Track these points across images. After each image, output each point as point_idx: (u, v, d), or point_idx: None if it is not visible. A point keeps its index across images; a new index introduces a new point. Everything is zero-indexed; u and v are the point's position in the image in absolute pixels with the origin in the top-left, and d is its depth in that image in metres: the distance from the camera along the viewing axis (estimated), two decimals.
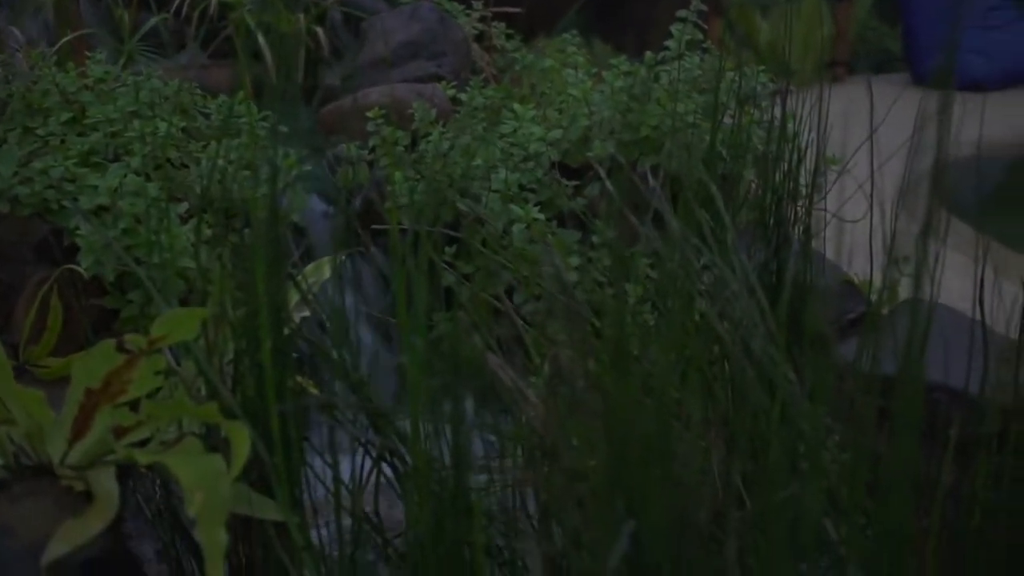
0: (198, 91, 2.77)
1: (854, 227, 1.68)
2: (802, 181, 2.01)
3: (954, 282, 1.65)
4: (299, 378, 1.59)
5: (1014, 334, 1.55)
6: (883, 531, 1.13)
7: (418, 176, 2.49)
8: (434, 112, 2.73)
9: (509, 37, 3.60)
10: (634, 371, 1.06)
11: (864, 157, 1.93)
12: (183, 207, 2.31)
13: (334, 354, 1.43)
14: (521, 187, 2.47)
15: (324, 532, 1.53)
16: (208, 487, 1.31)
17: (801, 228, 1.93)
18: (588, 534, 1.02)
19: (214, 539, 1.28)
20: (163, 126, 2.48)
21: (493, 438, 1.26)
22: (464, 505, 1.16)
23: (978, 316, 1.61)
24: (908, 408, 1.13)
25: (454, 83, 2.98)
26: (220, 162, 2.04)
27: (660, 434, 0.99)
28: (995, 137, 4.92)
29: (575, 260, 2.34)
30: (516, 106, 2.70)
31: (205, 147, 2.54)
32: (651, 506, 0.97)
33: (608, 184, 1.88)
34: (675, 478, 0.98)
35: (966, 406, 1.50)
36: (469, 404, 1.08)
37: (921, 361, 1.21)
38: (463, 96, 2.81)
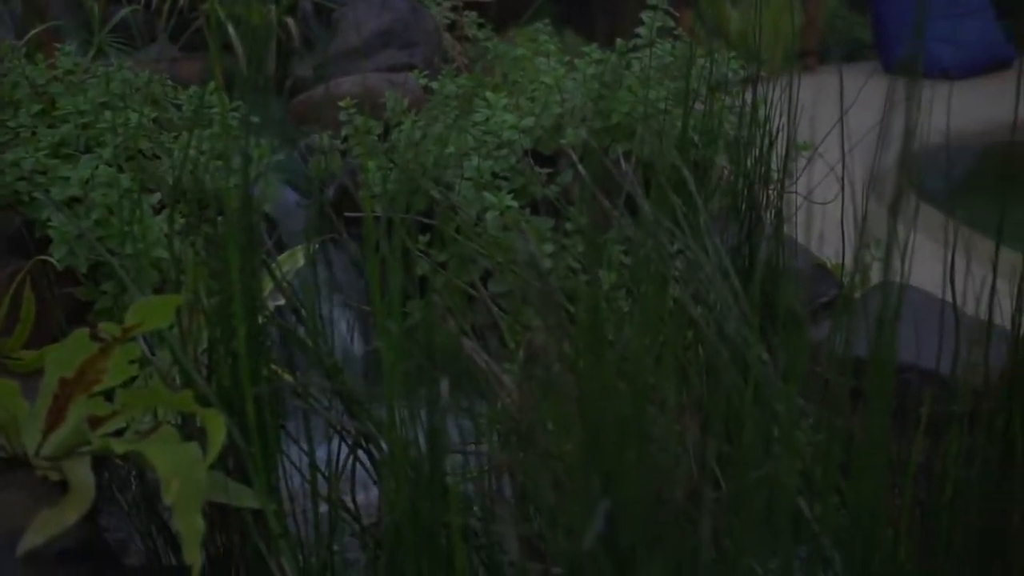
0: (169, 82, 2.76)
1: (826, 213, 1.69)
2: (773, 166, 2.02)
3: (926, 266, 1.66)
4: (274, 367, 1.59)
5: (984, 315, 1.57)
6: (857, 509, 1.14)
7: (391, 165, 2.49)
8: (406, 101, 2.73)
9: (481, 26, 3.60)
10: (608, 354, 1.07)
11: (836, 144, 1.95)
12: (155, 198, 2.30)
13: (308, 340, 1.43)
14: (494, 175, 2.47)
15: (301, 520, 1.53)
16: (184, 474, 1.32)
17: (773, 212, 1.94)
18: (564, 515, 1.02)
19: (191, 526, 1.29)
20: (134, 117, 2.47)
21: (469, 422, 1.26)
22: (440, 488, 1.16)
23: (949, 298, 1.62)
24: (879, 388, 1.14)
25: (426, 72, 2.98)
26: (192, 152, 2.03)
27: (635, 415, 1.00)
28: (963, 125, 4.95)
29: (549, 247, 2.35)
30: (488, 94, 2.70)
31: (177, 138, 2.53)
32: (626, 486, 0.98)
33: (581, 170, 1.89)
34: (650, 458, 0.98)
35: (937, 386, 1.51)
36: (444, 388, 1.08)
37: (892, 342, 1.22)
38: (435, 85, 2.81)
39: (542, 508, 1.09)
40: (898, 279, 1.49)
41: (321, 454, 1.51)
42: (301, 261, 1.90)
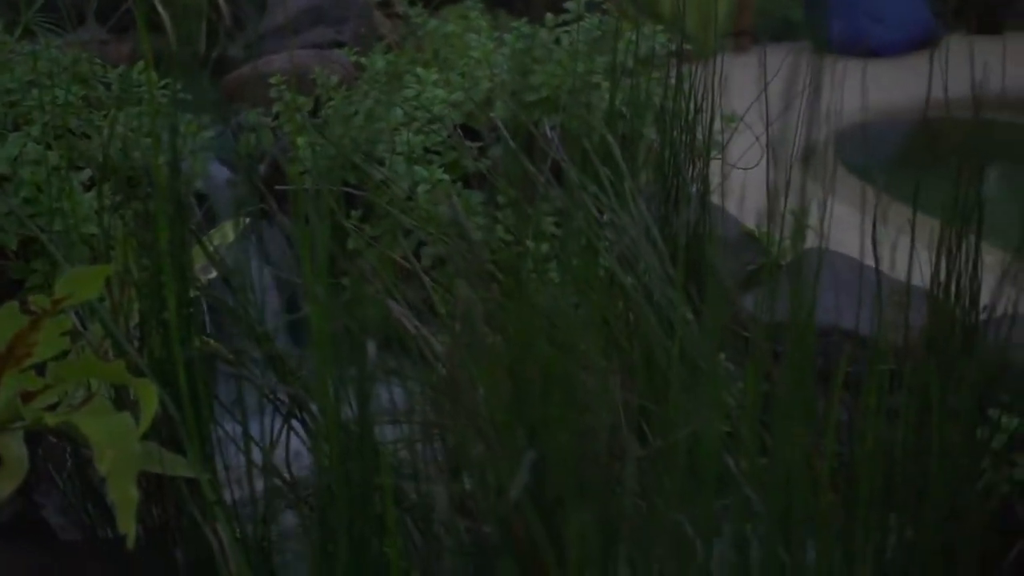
0: (98, 61, 2.75)
1: (758, 186, 1.72)
2: (699, 136, 2.05)
3: (852, 235, 1.71)
4: (206, 339, 1.60)
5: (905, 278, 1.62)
6: (780, 464, 1.17)
7: (322, 141, 2.50)
8: (336, 78, 2.73)
9: (412, 4, 3.60)
10: (533, 312, 1.09)
11: (767, 120, 1.98)
12: (85, 175, 2.29)
13: (239, 310, 1.44)
14: (426, 149, 2.49)
15: (237, 491, 1.54)
16: (118, 444, 1.32)
17: (699, 180, 1.97)
18: (492, 471, 1.05)
19: (125, 495, 1.29)
20: (62, 95, 2.45)
21: (401, 389, 1.28)
22: (371, 450, 1.18)
23: (873, 266, 1.66)
24: (799, 343, 1.17)
25: (356, 49, 2.98)
26: (121, 129, 2.03)
27: (559, 369, 1.02)
28: (893, 102, 5.02)
29: (480, 220, 2.36)
30: (419, 70, 2.71)
31: (106, 116, 2.52)
32: (552, 439, 1.00)
33: (511, 143, 1.90)
34: (575, 412, 1.01)
35: (859, 346, 1.55)
36: (371, 349, 1.10)
37: (812, 303, 1.26)
38: (365, 61, 2.82)
39: (471, 466, 1.11)
40: (822, 245, 1.54)
41: (256, 429, 1.52)
42: (231, 235, 1.90)
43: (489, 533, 1.10)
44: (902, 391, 1.44)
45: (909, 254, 1.62)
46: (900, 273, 1.63)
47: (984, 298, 1.60)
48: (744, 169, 1.71)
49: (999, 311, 1.55)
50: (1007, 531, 1.60)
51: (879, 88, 4.92)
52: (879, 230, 1.66)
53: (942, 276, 1.63)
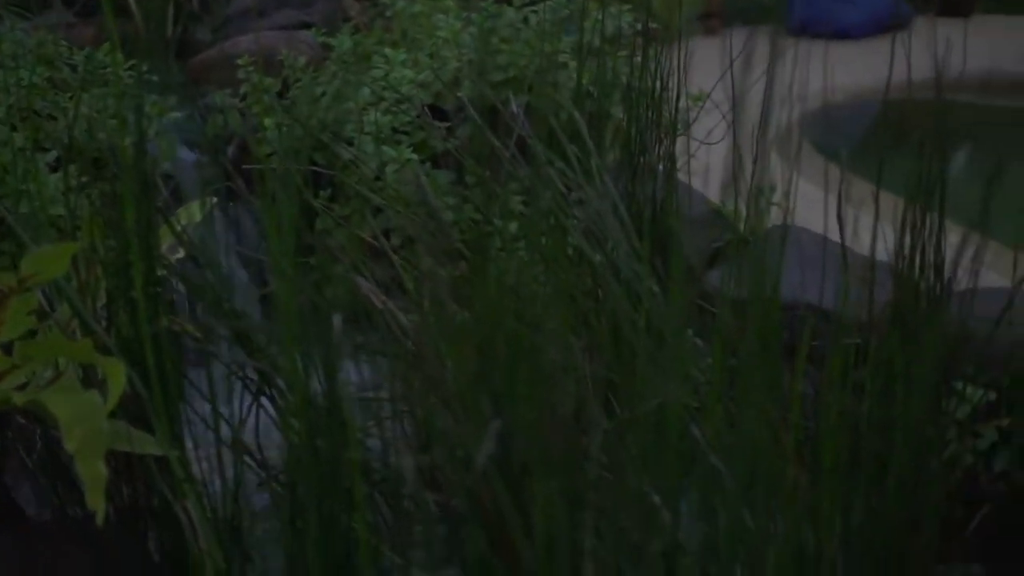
0: (63, 43, 2.73)
1: (727, 164, 1.73)
2: (666, 114, 2.06)
3: (818, 213, 1.72)
4: (175, 318, 1.60)
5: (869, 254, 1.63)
6: (746, 435, 1.18)
7: (290, 121, 2.50)
8: (303, 59, 2.73)
9: None
10: (498, 283, 1.10)
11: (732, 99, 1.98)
12: (51, 156, 2.28)
13: (207, 288, 1.44)
14: (394, 130, 2.49)
15: (207, 469, 1.54)
16: (85, 422, 1.32)
17: (665, 158, 1.98)
18: (458, 440, 1.05)
19: (94, 472, 1.30)
20: (27, 76, 2.44)
21: (366, 360, 1.28)
22: (339, 424, 1.18)
23: (839, 243, 1.68)
24: (765, 321, 1.18)
25: (324, 30, 2.98)
26: (86, 111, 2.02)
27: (525, 339, 1.03)
28: (861, 83, 5.05)
29: (450, 200, 2.37)
30: (387, 51, 2.71)
31: (72, 97, 2.51)
32: (518, 406, 1.01)
33: (479, 122, 1.91)
34: (541, 381, 1.01)
35: (824, 321, 1.56)
36: (337, 323, 1.10)
37: (778, 278, 1.28)
38: (333, 42, 2.82)
39: (439, 439, 1.12)
40: (787, 221, 1.55)
41: (226, 407, 1.52)
42: (198, 215, 1.90)
43: (457, 505, 1.11)
44: (867, 364, 1.46)
45: (873, 230, 1.64)
46: (865, 249, 1.65)
47: (948, 273, 1.62)
48: (709, 144, 1.72)
49: (961, 285, 1.58)
50: (971, 500, 1.62)
51: (848, 70, 4.95)
52: (844, 207, 1.67)
53: (906, 251, 1.64)
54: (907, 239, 1.63)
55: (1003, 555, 1.67)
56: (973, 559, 1.67)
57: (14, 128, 2.28)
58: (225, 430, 1.49)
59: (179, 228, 1.64)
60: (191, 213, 1.90)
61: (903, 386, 1.41)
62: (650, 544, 1.07)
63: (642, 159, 1.95)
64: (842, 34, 6.99)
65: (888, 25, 7.74)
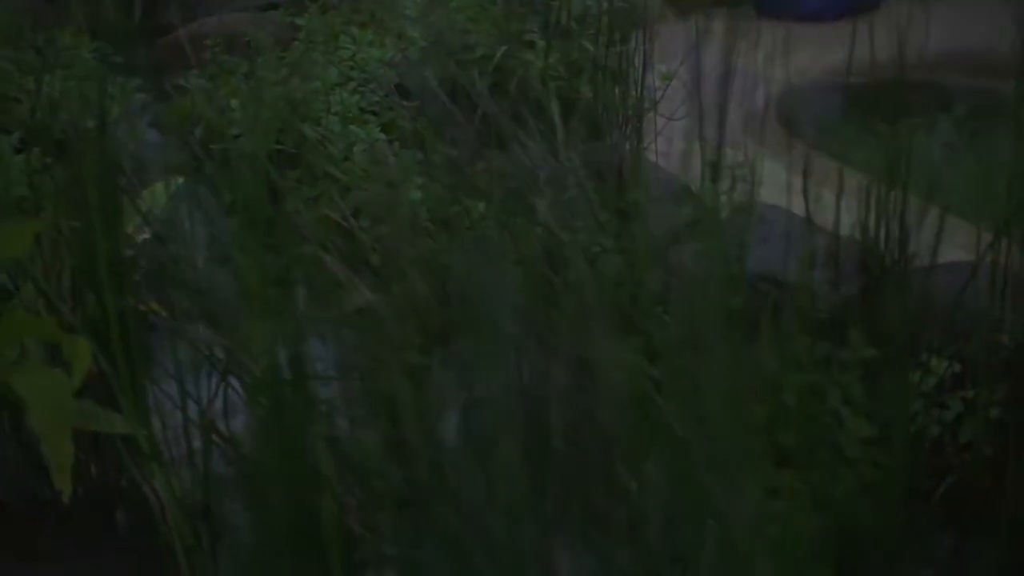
0: (26, 25, 2.71)
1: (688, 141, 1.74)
2: (633, 92, 2.07)
3: (785, 190, 1.74)
4: (141, 300, 1.60)
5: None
6: (712, 406, 1.18)
7: (258, 101, 2.49)
8: (271, 40, 2.72)
9: None
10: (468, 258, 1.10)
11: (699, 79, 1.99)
12: (15, 138, 2.26)
13: (171, 265, 1.44)
14: (362, 109, 2.48)
15: (175, 448, 1.54)
16: (51, 401, 1.32)
17: (633, 135, 1.99)
18: (421, 413, 1.06)
19: (60, 450, 1.29)
20: None
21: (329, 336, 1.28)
22: (303, 399, 1.18)
23: (805, 220, 1.69)
24: (732, 295, 1.19)
25: (291, 11, 2.97)
26: (52, 93, 2.01)
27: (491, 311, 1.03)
28: (832, 65, 5.07)
29: (418, 180, 2.36)
30: (354, 31, 2.70)
31: (36, 80, 2.49)
32: (481, 380, 1.01)
33: (446, 102, 1.91)
34: (503, 348, 1.02)
35: (790, 295, 1.57)
36: (300, 295, 1.10)
37: (744, 253, 1.28)
38: (301, 22, 2.81)
39: (402, 411, 1.12)
40: (754, 197, 1.56)
41: (193, 386, 1.52)
42: (163, 197, 1.89)
43: (422, 478, 1.11)
44: (834, 337, 1.47)
45: (836, 207, 1.65)
46: (831, 225, 1.66)
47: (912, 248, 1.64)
48: (675, 120, 1.73)
49: (926, 259, 1.59)
50: (937, 469, 1.64)
51: (816, 51, 4.96)
52: (810, 184, 1.69)
53: (871, 227, 1.66)
54: (872, 215, 1.64)
55: (969, 525, 1.68)
56: (939, 529, 1.68)
57: None
58: (192, 408, 1.49)
59: (144, 209, 1.63)
60: (156, 194, 1.89)
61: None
62: (615, 513, 1.08)
63: (610, 137, 1.96)
64: (814, 16, 6.99)
65: (859, 8, 7.76)
